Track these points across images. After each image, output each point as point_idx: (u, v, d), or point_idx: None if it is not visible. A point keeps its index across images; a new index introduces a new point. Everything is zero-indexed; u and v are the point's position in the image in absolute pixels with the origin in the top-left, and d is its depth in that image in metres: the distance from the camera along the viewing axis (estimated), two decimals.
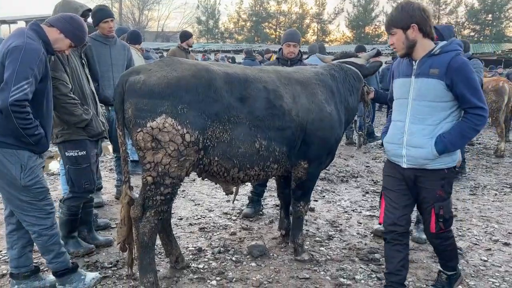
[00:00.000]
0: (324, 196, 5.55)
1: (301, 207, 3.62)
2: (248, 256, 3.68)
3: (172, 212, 4.47)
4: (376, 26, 43.50)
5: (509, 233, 4.48)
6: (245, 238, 4.06)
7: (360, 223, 4.62)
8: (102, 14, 4.63)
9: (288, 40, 4.83)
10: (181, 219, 4.56)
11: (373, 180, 6.46)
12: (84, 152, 3.41)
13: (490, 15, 39.27)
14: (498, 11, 38.56)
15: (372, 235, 4.25)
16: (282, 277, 3.35)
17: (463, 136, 2.66)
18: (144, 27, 43.68)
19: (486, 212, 5.16)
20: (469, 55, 5.59)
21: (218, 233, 4.19)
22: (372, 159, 8.05)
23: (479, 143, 10.00)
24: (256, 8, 46.24)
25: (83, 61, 3.60)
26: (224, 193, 3.40)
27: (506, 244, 4.17)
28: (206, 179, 3.26)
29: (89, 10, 3.70)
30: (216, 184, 3.40)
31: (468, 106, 2.63)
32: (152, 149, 2.77)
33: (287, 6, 46.21)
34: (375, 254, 3.75)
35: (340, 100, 3.54)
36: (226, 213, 4.76)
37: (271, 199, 5.34)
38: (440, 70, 2.61)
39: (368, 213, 4.97)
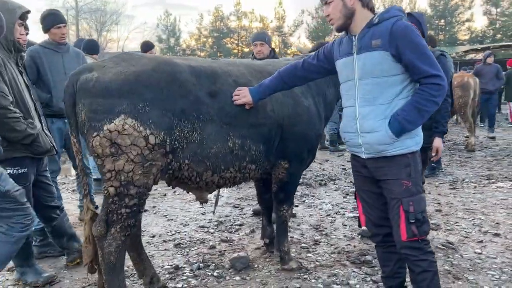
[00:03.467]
0: (304, 201, 5.28)
1: (284, 211, 3.31)
2: (231, 270, 3.32)
3: (143, 229, 4.09)
4: (335, 36, 44.32)
5: (496, 223, 4.34)
6: (225, 251, 3.71)
7: (345, 225, 4.36)
8: (53, 19, 4.23)
9: (254, 40, 4.66)
10: (153, 236, 4.15)
11: (351, 182, 6.23)
12: (25, 170, 2.98)
13: (443, 20, 40.84)
14: (450, 16, 40.16)
15: (359, 236, 3.99)
16: None
17: (420, 110, 2.20)
18: (104, 49, 42.78)
19: (470, 204, 5.04)
20: (439, 49, 5.48)
21: (195, 248, 3.81)
22: (347, 161, 7.85)
23: (448, 140, 10.08)
24: (217, 24, 46.32)
25: (20, 68, 3.16)
26: (199, 202, 3.06)
27: (496, 234, 4.01)
28: (178, 188, 2.92)
29: (28, 12, 3.24)
30: (188, 192, 3.05)
31: (421, 76, 2.20)
32: (112, 156, 2.41)
33: (248, 21, 46.58)
34: (367, 256, 3.48)
35: (317, 92, 3.29)
36: (202, 227, 4.38)
37: (249, 208, 5.01)
38: (383, 40, 2.21)
39: (352, 214, 4.71)
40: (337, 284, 3.06)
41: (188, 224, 4.48)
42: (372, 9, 2.37)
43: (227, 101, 2.77)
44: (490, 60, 10.77)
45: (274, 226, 3.49)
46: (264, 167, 3.05)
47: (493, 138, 10.29)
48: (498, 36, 37.20)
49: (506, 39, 34.87)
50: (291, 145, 3.07)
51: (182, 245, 3.88)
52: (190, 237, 4.08)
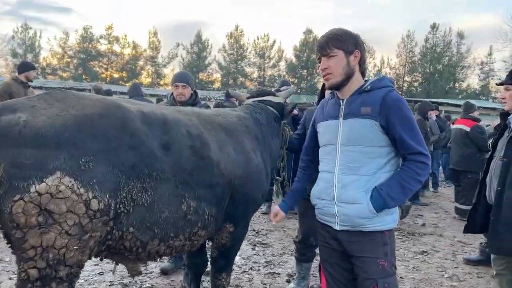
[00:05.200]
0: None
1: (223, 279, 2.97)
2: None
3: None
4: (209, 74, 45.40)
5: None
6: None
7: (265, 284, 4.15)
8: None
9: (176, 81, 4.24)
10: None
11: (254, 230, 6.13)
12: None
13: (305, 70, 45.17)
14: (311, 67, 44.66)
15: None
16: None
17: (404, 188, 2.12)
18: None
19: None
20: None
21: None
22: None
23: None
24: (84, 46, 43.43)
25: None
26: (129, 275, 2.55)
27: None
28: (104, 258, 2.39)
29: None
30: (117, 264, 2.52)
31: (408, 152, 2.14)
32: (39, 226, 1.86)
33: (120, 46, 44.73)
34: None
35: (265, 147, 3.10)
36: None
37: (154, 266, 4.45)
38: (373, 108, 2.15)
39: (266, 270, 4.54)
40: None
41: None
42: (363, 74, 2.32)
43: (181, 154, 2.40)
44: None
45: None
46: (211, 232, 2.70)
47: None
48: None
49: None
50: (239, 207, 2.80)
51: None
52: None
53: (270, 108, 3.31)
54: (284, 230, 6.30)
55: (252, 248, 5.30)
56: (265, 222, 6.61)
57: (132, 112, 2.26)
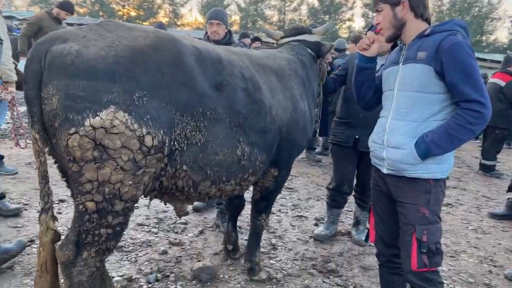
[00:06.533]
0: None
1: (262, 220, 3.03)
2: (194, 282, 2.93)
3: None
4: (228, 15, 44.07)
5: None
6: (181, 257, 3.27)
7: (294, 226, 4.23)
8: None
9: (210, 18, 4.11)
10: None
11: None
12: None
13: (327, 16, 43.49)
14: (334, 13, 42.96)
15: (312, 239, 3.91)
16: None
17: (451, 136, 2.02)
18: None
19: None
20: None
21: (143, 252, 3.29)
22: None
23: None
24: None
25: None
26: (176, 215, 2.58)
27: None
28: (154, 198, 2.38)
29: None
30: (165, 204, 2.55)
31: (461, 99, 2.02)
32: (95, 161, 1.83)
33: None
34: (330, 264, 3.39)
35: (310, 92, 3.02)
36: (141, 225, 3.83)
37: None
38: (428, 53, 2.06)
39: (294, 213, 4.62)
40: None
41: None
42: (427, 20, 2.20)
43: (236, 97, 2.33)
44: None
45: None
46: (259, 178, 2.70)
47: None
48: None
49: None
50: (284, 153, 2.77)
51: (125, 249, 3.33)
52: (131, 238, 3.53)
53: (308, 49, 3.19)
54: (309, 177, 6.36)
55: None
56: None
57: (186, 47, 2.16)
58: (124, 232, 3.58)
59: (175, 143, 2.07)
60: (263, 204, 2.98)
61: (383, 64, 2.47)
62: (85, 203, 1.89)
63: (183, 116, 2.07)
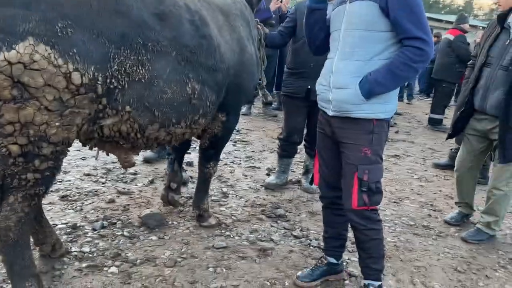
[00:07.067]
0: (195, 148, 4.98)
1: (210, 168, 3.01)
2: (142, 228, 2.92)
3: None
4: None
5: None
6: (129, 205, 3.24)
7: (246, 175, 4.27)
8: None
9: None
10: None
11: (236, 130, 6.17)
12: None
13: None
14: None
15: (263, 188, 3.97)
16: (195, 249, 2.75)
17: (394, 74, 2.03)
18: None
19: None
20: None
21: (89, 201, 3.23)
22: None
23: None
24: None
25: None
26: (121, 166, 2.49)
27: None
28: (94, 147, 2.27)
29: None
30: (108, 154, 2.43)
31: (404, 36, 2.02)
32: (14, 100, 1.67)
33: None
34: (279, 210, 3.46)
35: (253, 36, 2.94)
36: (88, 175, 3.74)
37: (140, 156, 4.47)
38: None
39: (247, 164, 4.66)
40: (261, 241, 2.97)
41: (68, 171, 3.76)
42: None
43: (183, 29, 2.19)
44: None
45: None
46: (208, 121, 2.63)
47: None
48: None
49: None
50: (232, 97, 2.71)
51: (70, 198, 3.25)
52: (77, 188, 3.44)
53: None
54: (264, 131, 6.38)
55: (233, 145, 5.37)
56: (245, 122, 6.64)
57: None
58: (70, 182, 3.52)
59: (113, 80, 1.93)
60: (211, 152, 2.96)
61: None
62: (7, 146, 1.74)
63: (119, 49, 1.92)
